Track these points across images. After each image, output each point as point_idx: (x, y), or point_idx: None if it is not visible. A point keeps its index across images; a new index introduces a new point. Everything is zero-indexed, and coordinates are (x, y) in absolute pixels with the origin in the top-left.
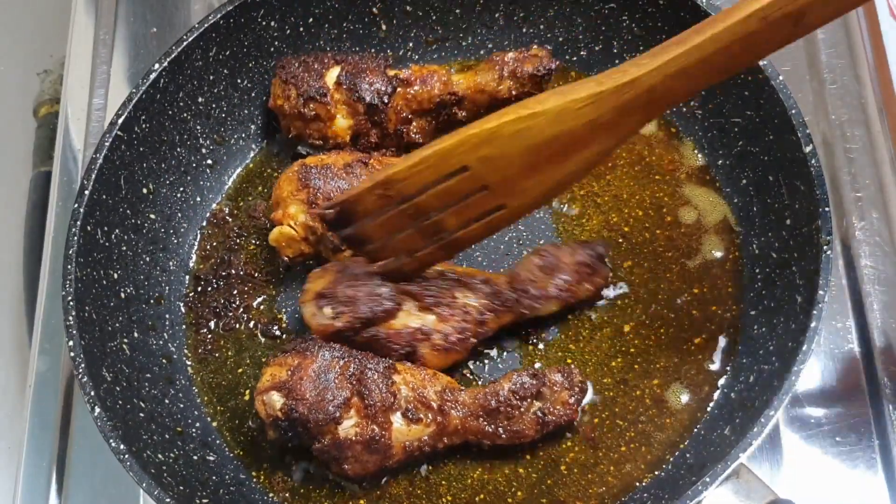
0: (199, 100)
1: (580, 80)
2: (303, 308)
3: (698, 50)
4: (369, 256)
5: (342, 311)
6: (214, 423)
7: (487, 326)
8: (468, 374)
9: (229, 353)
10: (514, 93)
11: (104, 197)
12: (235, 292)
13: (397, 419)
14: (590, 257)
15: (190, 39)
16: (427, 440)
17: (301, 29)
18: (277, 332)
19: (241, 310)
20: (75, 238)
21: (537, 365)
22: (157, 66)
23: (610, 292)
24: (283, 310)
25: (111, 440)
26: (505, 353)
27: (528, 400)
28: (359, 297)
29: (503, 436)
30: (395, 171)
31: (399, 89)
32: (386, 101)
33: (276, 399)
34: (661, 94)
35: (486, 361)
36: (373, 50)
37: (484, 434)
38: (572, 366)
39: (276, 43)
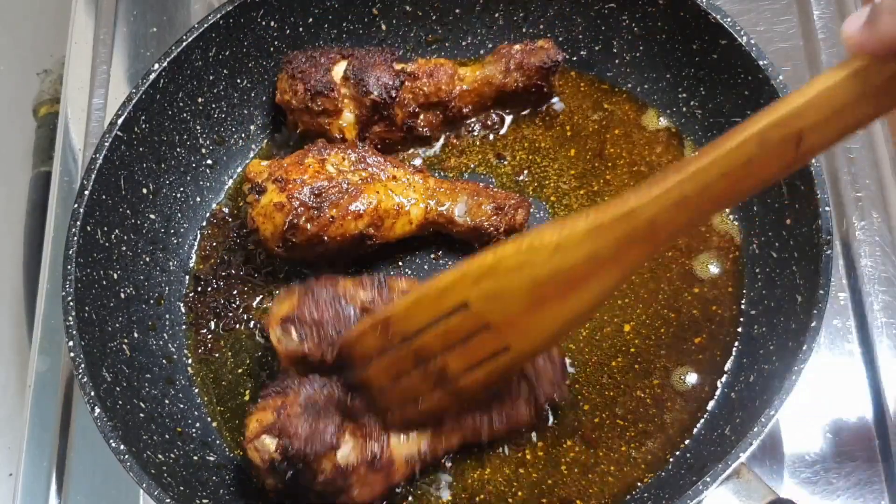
0: (199, 100)
1: (580, 211)
2: (269, 332)
3: (697, 177)
4: (373, 403)
5: (309, 335)
6: (214, 424)
7: None
8: None
9: (229, 354)
10: (520, 85)
11: (104, 197)
12: (235, 292)
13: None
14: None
15: (189, 39)
16: (426, 449)
17: (301, 29)
18: None
19: (241, 310)
20: (75, 238)
21: None
22: (156, 66)
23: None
24: None
25: (111, 440)
26: None
27: (517, 384)
28: (326, 320)
29: (499, 426)
30: (393, 309)
31: (406, 83)
32: (393, 95)
33: (269, 442)
34: (662, 224)
35: None
36: None
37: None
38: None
39: (276, 43)
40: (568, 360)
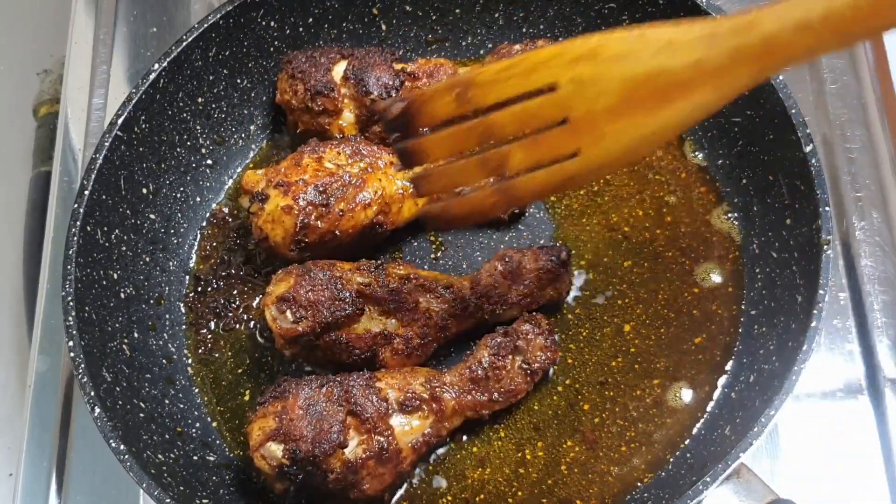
0: (199, 100)
1: (693, 20)
2: (265, 311)
3: (823, 2)
4: (418, 183)
5: (304, 316)
6: (214, 424)
7: (449, 332)
8: None
9: (229, 354)
10: None
11: (104, 197)
12: (235, 292)
13: (396, 422)
14: (552, 263)
15: (189, 39)
16: (431, 432)
17: (301, 29)
18: None
19: (241, 310)
20: (75, 238)
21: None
22: (156, 66)
23: (571, 297)
24: None
25: (111, 440)
26: None
27: (510, 357)
28: (321, 302)
29: (499, 399)
30: (478, 72)
31: (406, 83)
32: (393, 95)
33: (275, 448)
34: (777, 46)
35: None
36: None
37: (481, 405)
38: (534, 313)
39: (276, 43)
40: (569, 360)
